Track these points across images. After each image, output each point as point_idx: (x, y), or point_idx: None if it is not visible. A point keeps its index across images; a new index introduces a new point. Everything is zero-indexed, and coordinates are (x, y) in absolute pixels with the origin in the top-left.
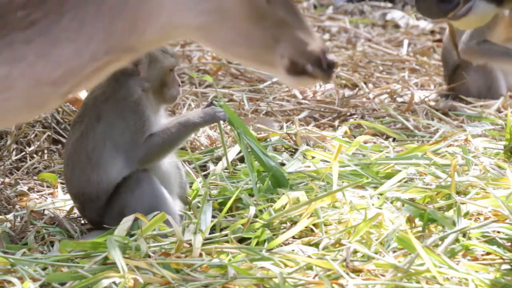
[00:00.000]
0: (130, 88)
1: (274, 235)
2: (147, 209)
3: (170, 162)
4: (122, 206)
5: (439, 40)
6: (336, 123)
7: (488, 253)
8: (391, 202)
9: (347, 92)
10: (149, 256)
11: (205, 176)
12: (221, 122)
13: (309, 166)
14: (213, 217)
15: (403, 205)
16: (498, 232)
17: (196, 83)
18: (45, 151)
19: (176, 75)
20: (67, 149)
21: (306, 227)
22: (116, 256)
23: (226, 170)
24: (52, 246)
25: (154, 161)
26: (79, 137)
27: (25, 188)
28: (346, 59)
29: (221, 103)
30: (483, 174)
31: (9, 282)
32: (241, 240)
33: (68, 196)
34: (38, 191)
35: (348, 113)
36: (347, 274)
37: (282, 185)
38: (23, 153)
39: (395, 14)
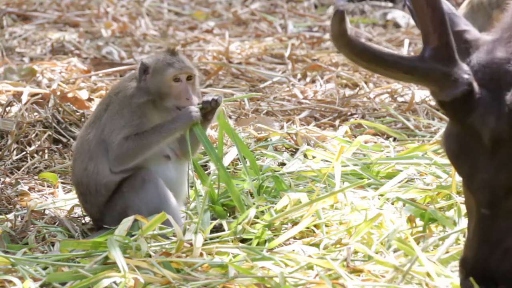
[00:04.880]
0: (137, 92)
1: (275, 235)
2: (151, 210)
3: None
4: (125, 206)
5: None
6: (337, 122)
7: None
8: (392, 203)
9: (348, 92)
10: (150, 256)
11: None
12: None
13: (309, 166)
14: (214, 218)
15: (404, 205)
16: None
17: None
18: (46, 151)
19: (190, 87)
20: (77, 138)
21: (307, 228)
22: (117, 255)
23: (227, 170)
24: (53, 245)
25: (126, 163)
26: (87, 125)
27: (25, 188)
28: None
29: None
30: None
31: (10, 281)
32: (242, 241)
33: (68, 195)
34: (38, 191)
35: (349, 113)
36: (347, 274)
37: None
38: (24, 152)
39: (396, 14)
